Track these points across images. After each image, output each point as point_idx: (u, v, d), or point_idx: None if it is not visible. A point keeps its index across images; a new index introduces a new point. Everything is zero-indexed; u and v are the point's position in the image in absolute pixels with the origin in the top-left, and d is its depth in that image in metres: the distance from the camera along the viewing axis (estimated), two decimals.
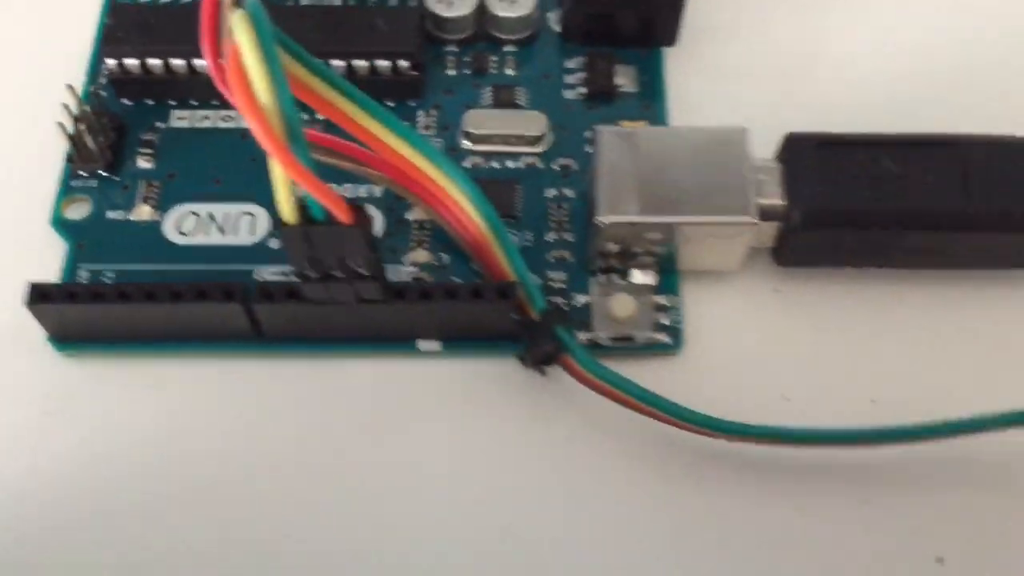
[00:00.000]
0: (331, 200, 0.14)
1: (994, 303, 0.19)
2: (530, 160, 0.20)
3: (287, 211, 0.15)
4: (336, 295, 0.16)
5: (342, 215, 0.15)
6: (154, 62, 0.19)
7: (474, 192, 0.17)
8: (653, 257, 0.18)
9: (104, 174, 0.19)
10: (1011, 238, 0.18)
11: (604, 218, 0.17)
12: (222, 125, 0.20)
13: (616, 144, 0.18)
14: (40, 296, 0.17)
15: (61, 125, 0.19)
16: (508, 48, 0.21)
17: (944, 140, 0.18)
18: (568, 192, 0.19)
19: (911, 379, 0.18)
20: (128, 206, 0.19)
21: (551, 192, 0.19)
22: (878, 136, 0.18)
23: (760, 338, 0.19)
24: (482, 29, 0.21)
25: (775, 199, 0.18)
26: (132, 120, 0.20)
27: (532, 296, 0.17)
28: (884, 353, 0.19)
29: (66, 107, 0.19)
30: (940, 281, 0.19)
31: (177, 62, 0.19)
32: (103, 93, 0.20)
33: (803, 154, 0.18)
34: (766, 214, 0.18)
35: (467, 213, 0.18)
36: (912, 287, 0.19)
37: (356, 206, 0.15)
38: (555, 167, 0.20)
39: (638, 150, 0.18)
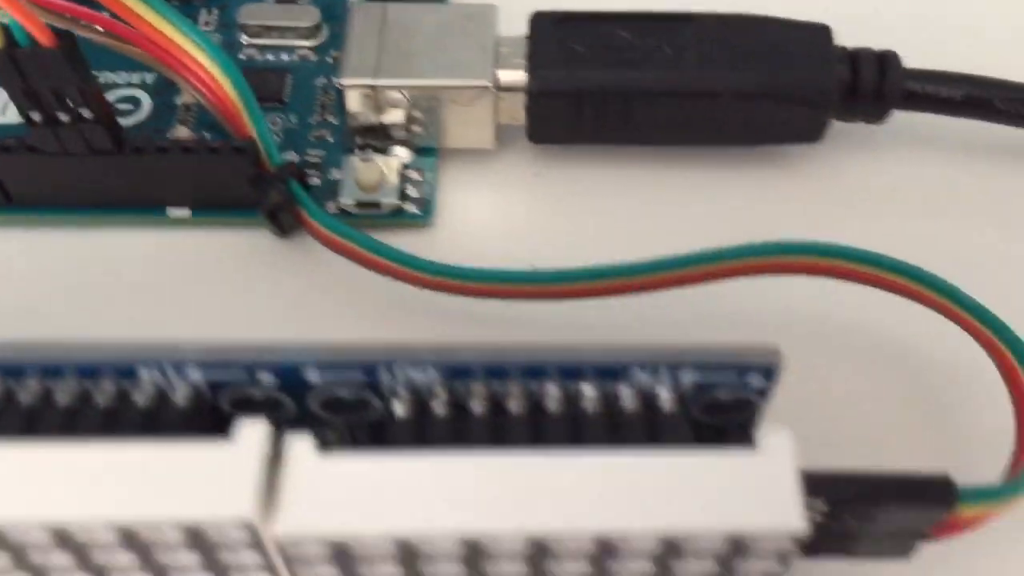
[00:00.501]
0: (24, 16, 0.15)
1: (741, 181, 0.19)
2: (304, 52, 0.20)
3: None
4: (67, 144, 0.17)
5: (39, 35, 0.15)
6: None
7: (220, 57, 0.18)
8: (409, 134, 0.19)
9: None
10: (741, 108, 0.18)
11: (344, 80, 0.18)
12: None
13: (367, 17, 0.19)
14: None
15: None
16: None
17: (680, 16, 0.19)
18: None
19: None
20: None
21: (321, 81, 0.20)
22: (618, 12, 0.19)
23: (513, 215, 0.19)
24: None
25: (518, 71, 0.18)
26: None
27: (271, 153, 0.18)
28: (634, 231, 0.19)
29: None
30: (691, 160, 0.19)
31: None
32: None
33: (545, 29, 0.19)
34: (509, 86, 0.18)
35: (216, 79, 0.18)
36: (665, 167, 0.19)
37: (61, 30, 0.15)
38: (328, 59, 0.20)
39: (387, 23, 0.19)
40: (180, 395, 0.12)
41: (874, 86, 0.18)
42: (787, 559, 0.11)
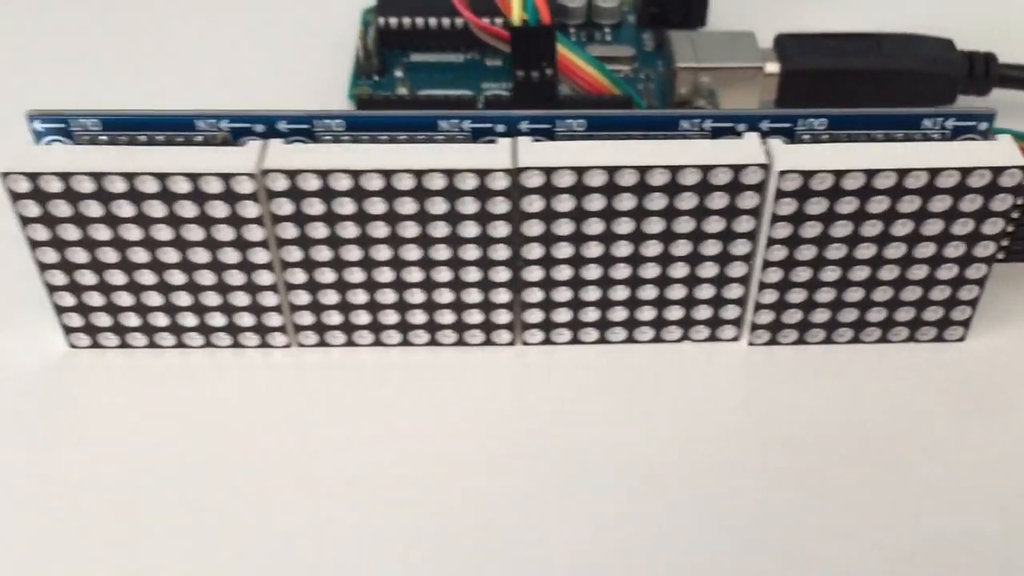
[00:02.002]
0: (541, 3, 0.27)
1: None
2: (626, 71, 0.33)
3: (516, 16, 0.28)
4: (526, 95, 0.29)
5: (545, 17, 0.28)
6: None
7: (602, 68, 0.30)
8: (705, 104, 0.31)
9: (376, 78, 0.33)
10: (908, 81, 0.31)
11: (678, 65, 0.31)
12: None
13: (681, 36, 0.32)
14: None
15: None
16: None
17: (869, 33, 0.32)
18: (653, 85, 0.33)
19: None
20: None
21: (637, 85, 0.33)
22: (827, 32, 0.32)
23: None
24: None
25: (774, 63, 0.31)
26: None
27: (638, 104, 0.30)
28: None
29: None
30: None
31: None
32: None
33: (784, 41, 0.31)
34: (768, 72, 0.31)
35: (598, 78, 0.30)
36: None
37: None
38: (640, 75, 0.33)
39: (693, 39, 0.31)
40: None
41: (983, 71, 0.31)
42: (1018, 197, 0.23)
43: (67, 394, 0.24)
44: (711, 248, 0.24)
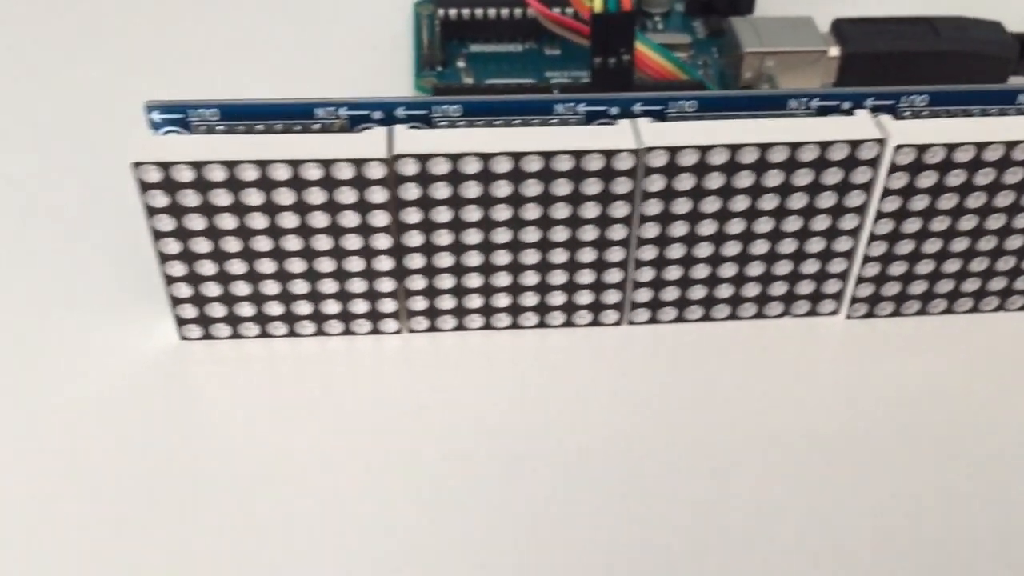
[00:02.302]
0: None
1: None
2: (684, 56, 0.34)
3: (598, 3, 0.28)
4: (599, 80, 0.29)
5: (626, 4, 0.28)
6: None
7: (670, 56, 0.31)
8: (768, 86, 0.32)
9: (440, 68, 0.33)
10: (961, 62, 0.32)
11: (745, 50, 0.31)
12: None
13: (742, 22, 0.32)
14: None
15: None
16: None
17: (923, 17, 0.32)
18: (711, 71, 0.33)
19: None
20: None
21: (698, 71, 0.33)
22: (885, 17, 0.32)
23: None
24: None
25: (835, 47, 0.32)
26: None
27: (707, 86, 0.30)
28: None
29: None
30: None
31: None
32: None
33: (843, 25, 0.32)
34: (830, 55, 0.32)
35: (666, 66, 0.31)
36: None
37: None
38: (696, 60, 0.34)
39: (755, 24, 0.32)
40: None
41: None
42: None
43: (179, 386, 0.24)
44: (820, 223, 0.24)
